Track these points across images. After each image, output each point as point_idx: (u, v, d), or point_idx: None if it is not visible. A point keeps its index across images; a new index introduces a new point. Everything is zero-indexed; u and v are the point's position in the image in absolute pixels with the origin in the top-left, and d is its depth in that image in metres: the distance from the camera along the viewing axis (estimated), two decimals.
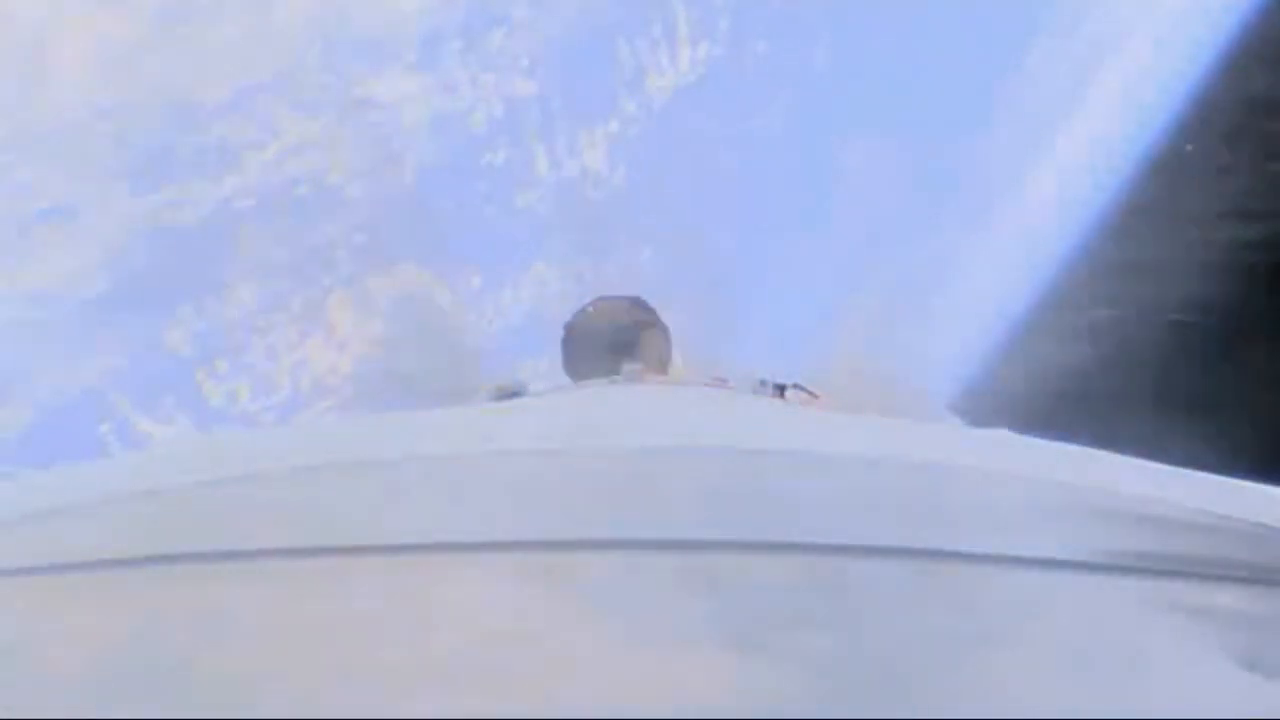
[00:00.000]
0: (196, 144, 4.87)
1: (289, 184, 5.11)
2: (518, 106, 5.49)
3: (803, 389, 2.08)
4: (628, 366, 2.09)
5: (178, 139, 4.82)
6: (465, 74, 5.41)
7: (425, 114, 5.39)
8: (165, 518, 0.71)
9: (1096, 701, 0.46)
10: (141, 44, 4.62)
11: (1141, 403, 4.73)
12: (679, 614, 0.51)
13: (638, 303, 2.96)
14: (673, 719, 0.42)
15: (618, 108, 5.57)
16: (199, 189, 4.87)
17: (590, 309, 2.98)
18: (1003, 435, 1.09)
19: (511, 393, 1.83)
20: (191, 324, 4.92)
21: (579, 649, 0.47)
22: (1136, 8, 6.10)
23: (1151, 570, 0.62)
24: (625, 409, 1.39)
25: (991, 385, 5.41)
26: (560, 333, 2.94)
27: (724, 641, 0.48)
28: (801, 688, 0.45)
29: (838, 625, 0.52)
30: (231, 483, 0.77)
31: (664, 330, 2.90)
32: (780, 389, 2.01)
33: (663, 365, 2.75)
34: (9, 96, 4.44)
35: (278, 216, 5.06)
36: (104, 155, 4.63)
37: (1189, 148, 5.45)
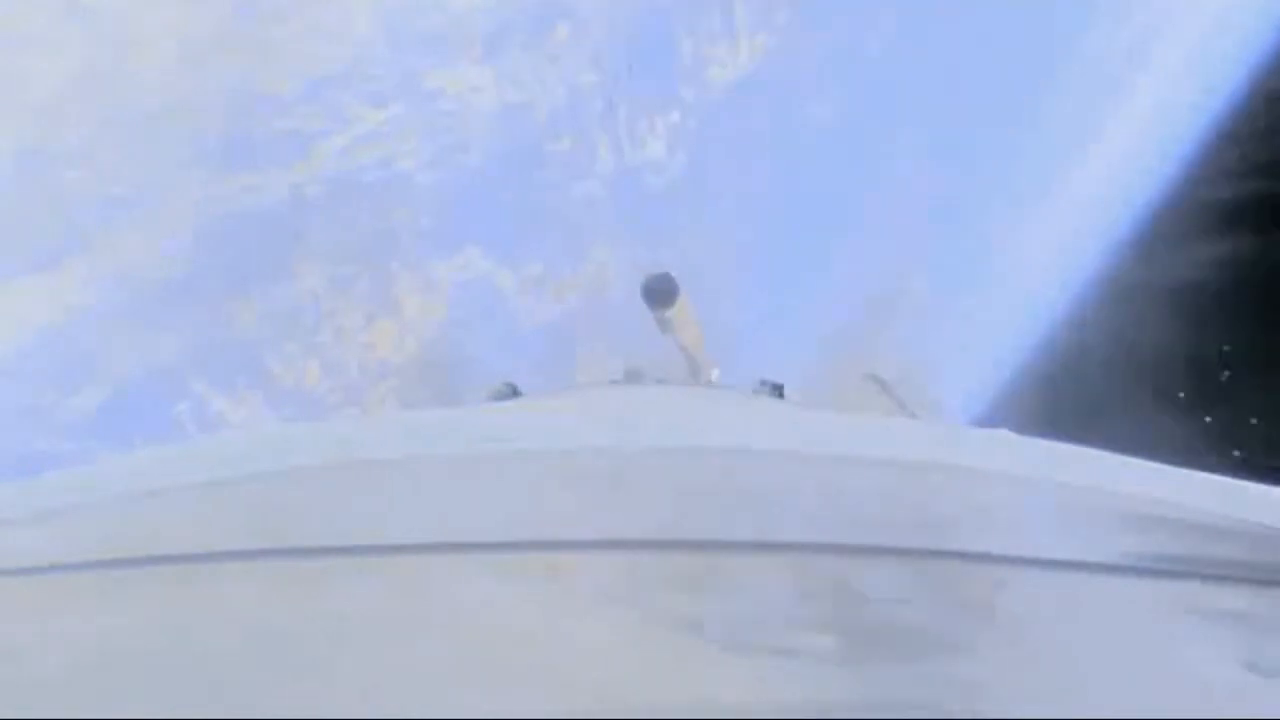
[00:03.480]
0: (269, 134, 4.99)
1: (358, 172, 5.22)
2: (580, 97, 5.53)
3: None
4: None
5: (251, 129, 4.94)
6: (530, 65, 5.46)
7: (491, 104, 5.45)
8: (165, 518, 0.71)
9: (1097, 701, 0.47)
10: (218, 38, 4.75)
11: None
12: (678, 614, 0.52)
13: (671, 281, 3.15)
14: (672, 718, 0.43)
15: (678, 98, 5.57)
16: (272, 177, 5.00)
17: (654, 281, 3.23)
18: (1003, 435, 1.07)
19: (512, 392, 1.90)
20: (263, 307, 5.06)
21: (578, 649, 0.48)
22: None
23: (1152, 570, 0.62)
24: (627, 410, 1.39)
25: (1037, 374, 5.31)
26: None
27: (723, 641, 0.49)
28: (801, 688, 0.45)
29: (837, 625, 0.52)
30: (231, 483, 0.77)
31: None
32: (779, 389, 2.08)
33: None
34: (92, 88, 4.60)
35: (347, 203, 5.18)
36: (181, 144, 4.77)
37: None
